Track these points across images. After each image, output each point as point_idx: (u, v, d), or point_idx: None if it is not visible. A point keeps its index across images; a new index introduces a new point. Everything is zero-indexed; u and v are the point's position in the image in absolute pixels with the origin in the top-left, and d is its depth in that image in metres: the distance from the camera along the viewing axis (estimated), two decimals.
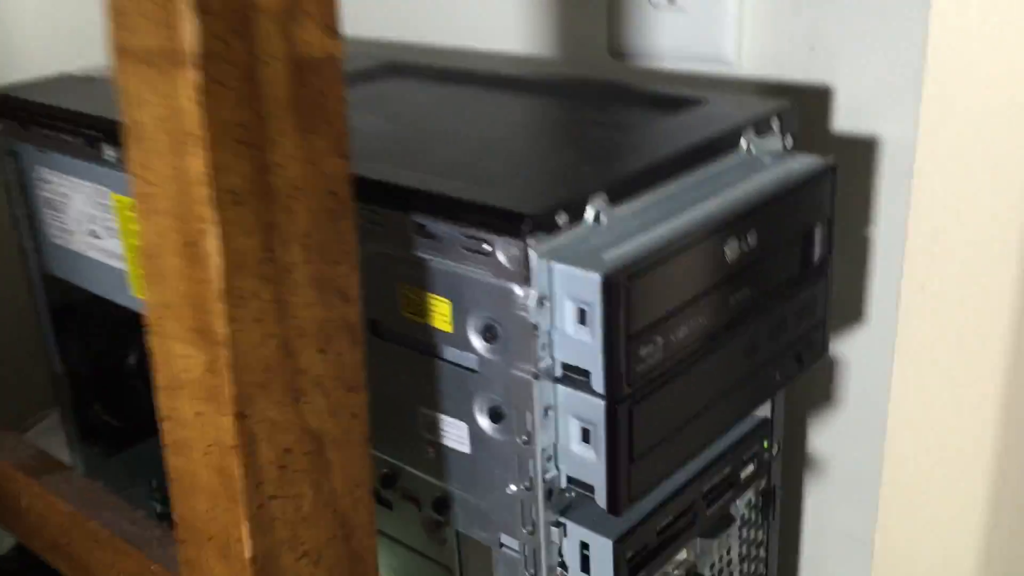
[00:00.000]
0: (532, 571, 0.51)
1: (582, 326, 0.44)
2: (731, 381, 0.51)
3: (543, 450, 0.47)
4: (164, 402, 0.43)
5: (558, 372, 0.47)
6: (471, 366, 0.49)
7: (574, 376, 0.46)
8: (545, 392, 0.47)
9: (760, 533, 0.61)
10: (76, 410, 0.83)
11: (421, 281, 0.49)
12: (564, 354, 0.46)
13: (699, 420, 0.50)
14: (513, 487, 0.49)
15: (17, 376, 0.97)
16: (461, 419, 0.51)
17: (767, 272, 0.52)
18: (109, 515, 0.61)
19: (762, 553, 0.62)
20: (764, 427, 0.58)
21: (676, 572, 0.53)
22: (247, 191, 0.38)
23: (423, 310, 0.50)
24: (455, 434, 0.52)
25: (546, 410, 0.47)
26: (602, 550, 0.48)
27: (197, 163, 0.36)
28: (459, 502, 0.53)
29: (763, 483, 0.60)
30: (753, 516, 0.60)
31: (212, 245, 0.37)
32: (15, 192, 0.70)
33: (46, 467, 0.67)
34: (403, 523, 0.57)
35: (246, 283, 0.39)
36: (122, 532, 0.59)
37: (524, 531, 0.50)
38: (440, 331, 0.50)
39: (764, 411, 0.59)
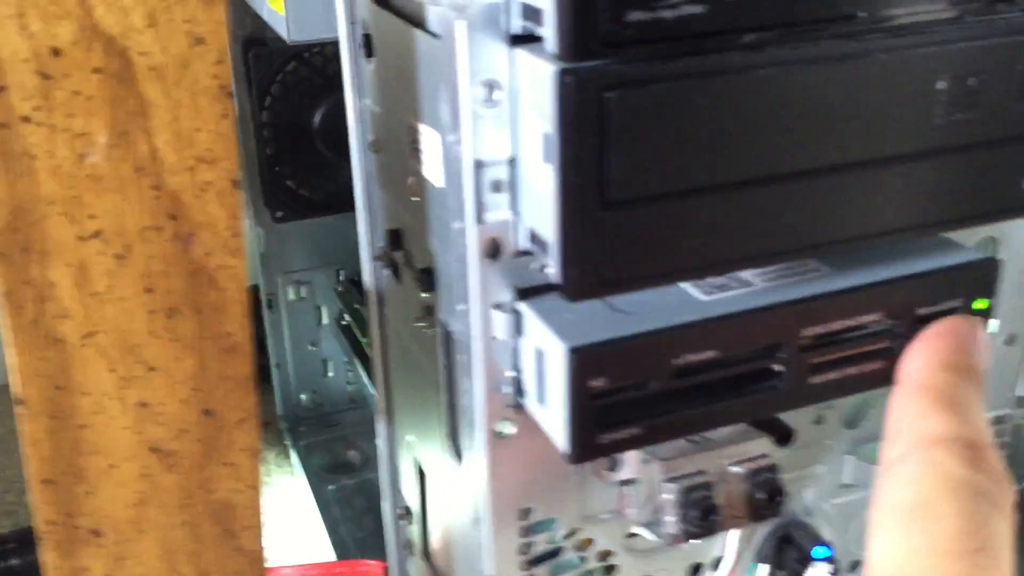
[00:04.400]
0: (468, 379, 0.31)
1: None
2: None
3: (479, 164, 0.27)
4: None
5: (514, 22, 0.26)
6: (437, 29, 0.30)
7: (533, 29, 0.25)
8: (490, 56, 0.26)
9: None
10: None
11: None
12: None
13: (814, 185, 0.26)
14: (456, 224, 0.30)
15: None
16: (434, 127, 0.32)
17: None
18: None
19: None
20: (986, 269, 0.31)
21: (742, 469, 0.31)
22: None
23: None
24: (431, 156, 0.33)
25: (488, 90, 0.27)
26: (556, 360, 0.27)
27: None
28: (442, 275, 0.35)
29: None
30: None
31: None
32: None
33: None
34: (410, 307, 0.40)
35: None
36: None
37: (459, 308, 0.30)
38: None
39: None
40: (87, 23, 0.27)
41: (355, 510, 0.78)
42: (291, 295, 0.83)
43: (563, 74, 0.23)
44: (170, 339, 0.32)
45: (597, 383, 0.27)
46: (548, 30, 0.24)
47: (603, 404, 0.27)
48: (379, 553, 0.63)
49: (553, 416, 0.28)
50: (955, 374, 0.25)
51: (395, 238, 0.40)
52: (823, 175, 0.26)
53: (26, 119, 0.28)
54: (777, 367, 0.29)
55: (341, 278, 0.83)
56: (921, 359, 0.26)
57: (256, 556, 0.36)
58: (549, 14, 0.23)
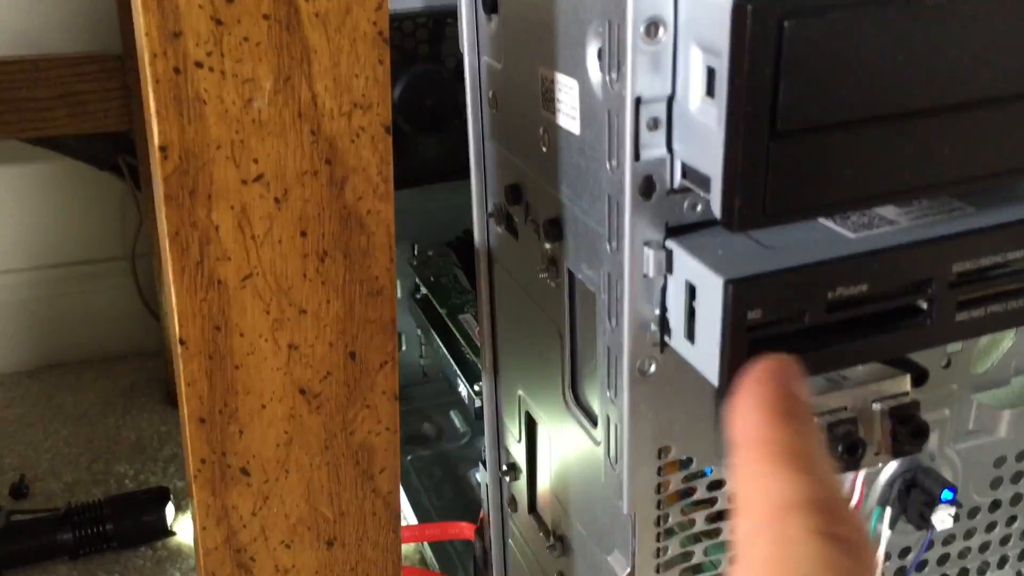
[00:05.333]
0: (613, 319, 0.32)
1: None
2: None
3: (639, 101, 0.28)
4: None
5: None
6: None
7: None
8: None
9: None
10: None
11: None
12: None
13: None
14: (610, 163, 0.30)
15: None
16: (574, 75, 0.33)
17: None
18: None
19: None
20: None
21: (884, 406, 0.31)
22: None
23: None
24: (568, 104, 0.34)
25: (651, 27, 0.27)
26: (710, 295, 0.28)
27: None
28: (570, 223, 0.36)
29: None
30: None
31: None
32: None
33: None
34: (529, 261, 0.41)
35: None
36: None
37: (609, 247, 0.31)
38: None
39: None
40: None
41: (434, 479, 0.79)
42: None
43: (741, 5, 0.24)
44: (321, 282, 0.33)
45: (753, 315, 0.28)
46: None
47: (757, 336, 0.28)
48: (460, 518, 0.64)
49: (705, 350, 0.29)
50: (791, 422, 0.23)
51: (514, 193, 0.41)
52: (983, 106, 0.27)
53: (199, 64, 0.29)
54: (925, 303, 0.29)
55: (416, 252, 0.84)
56: (751, 412, 0.24)
57: (392, 497, 0.37)
58: None
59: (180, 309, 0.31)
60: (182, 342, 0.32)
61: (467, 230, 0.53)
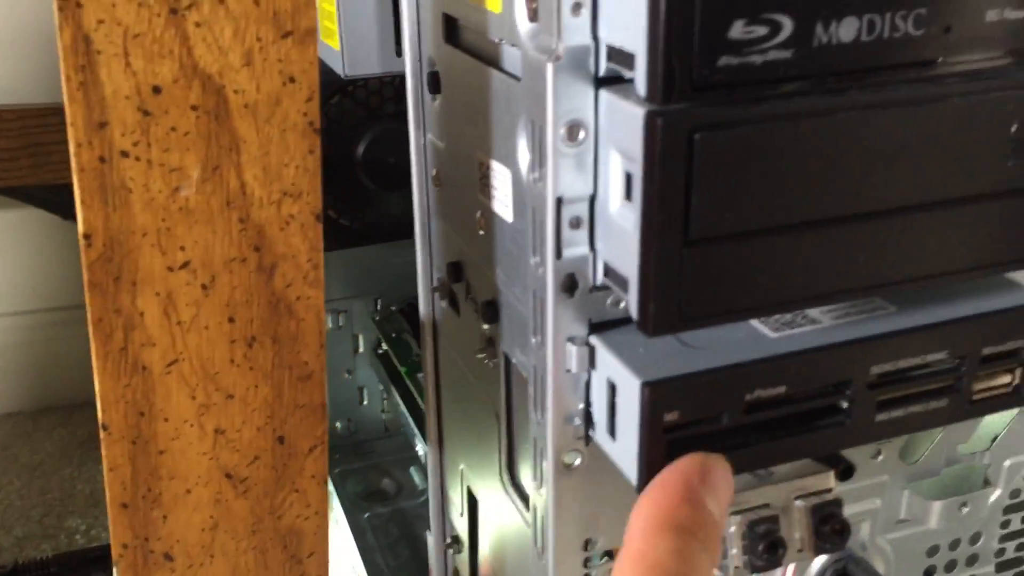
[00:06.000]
0: (538, 411, 0.32)
1: None
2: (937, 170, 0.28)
3: (560, 201, 0.28)
4: None
5: (600, 64, 0.27)
6: (516, 71, 0.31)
7: (622, 71, 0.26)
8: (576, 97, 0.27)
9: None
10: None
11: None
12: (609, 27, 0.26)
13: (878, 226, 0.27)
14: (533, 259, 0.30)
15: None
16: (507, 164, 0.33)
17: None
18: None
19: None
20: None
21: (806, 503, 0.31)
22: None
23: None
24: (502, 192, 0.34)
25: (572, 130, 0.27)
26: (628, 394, 0.28)
27: None
28: (506, 307, 0.36)
29: None
30: None
31: None
32: None
33: None
34: (469, 339, 0.41)
35: None
36: None
37: (532, 340, 0.31)
38: (493, 16, 0.32)
39: None
40: (187, 62, 0.28)
41: (390, 538, 0.79)
42: (328, 323, 0.84)
43: (653, 116, 0.24)
44: (248, 367, 0.32)
45: (670, 416, 0.28)
46: (639, 73, 0.25)
47: (674, 437, 0.28)
48: None
49: (624, 448, 0.29)
50: (676, 537, 0.23)
51: (455, 270, 0.41)
52: (897, 214, 0.27)
53: (125, 154, 0.29)
54: (844, 403, 0.29)
55: (379, 307, 0.84)
56: (641, 519, 0.23)
57: None
58: (641, 58, 0.24)
59: (103, 394, 0.31)
60: (104, 427, 0.31)
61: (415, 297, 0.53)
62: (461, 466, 0.46)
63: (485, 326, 0.38)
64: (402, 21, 0.41)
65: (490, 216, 0.35)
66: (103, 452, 0.32)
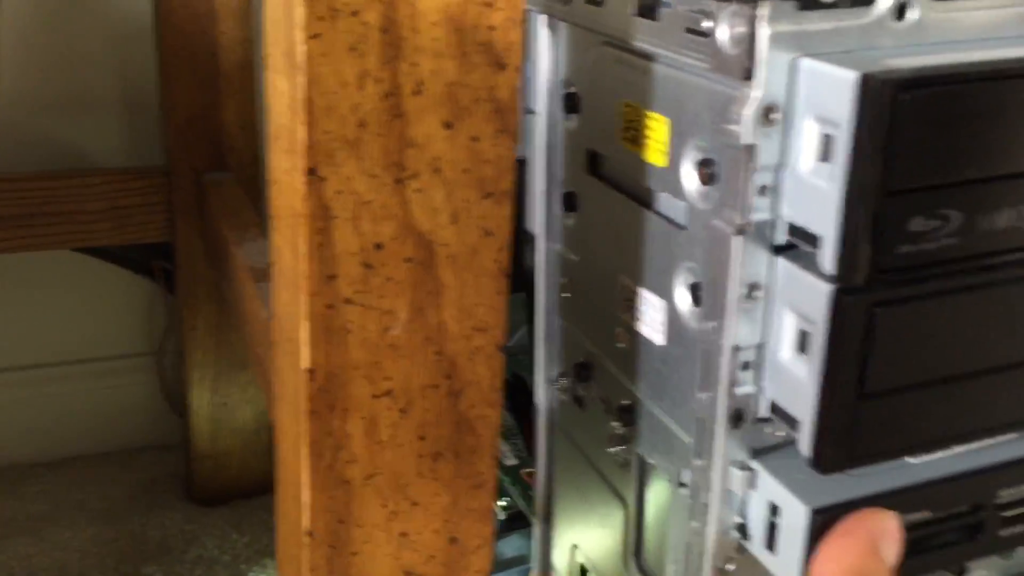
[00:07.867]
0: (698, 523, 0.36)
1: (823, 164, 0.29)
2: None
3: (735, 349, 0.32)
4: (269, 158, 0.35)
5: (780, 237, 0.31)
6: (680, 220, 0.35)
7: (801, 245, 0.30)
8: (755, 263, 0.31)
9: None
10: None
11: (636, 88, 0.36)
12: (794, 208, 0.30)
13: (1003, 377, 0.31)
14: (702, 394, 0.34)
15: None
16: (660, 295, 0.37)
17: None
18: None
19: None
20: None
21: None
22: None
23: (639, 134, 0.37)
24: (651, 317, 0.38)
25: (750, 289, 0.31)
26: (794, 518, 0.32)
27: None
28: (645, 415, 0.40)
29: None
30: None
31: None
32: None
33: None
34: (593, 431, 0.45)
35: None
36: None
37: (697, 463, 0.35)
38: (655, 168, 0.36)
39: None
40: (406, 222, 0.32)
41: None
42: None
43: (840, 293, 0.28)
44: (432, 478, 0.36)
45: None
46: (826, 254, 0.29)
47: None
48: None
49: (785, 563, 0.33)
50: None
51: (584, 371, 0.45)
52: None
53: (348, 301, 0.33)
54: (977, 523, 0.34)
55: None
56: (831, 563, 0.25)
57: None
58: (829, 243, 0.28)
59: (311, 504, 0.35)
60: (311, 534, 0.35)
61: (515, 374, 0.56)
62: (573, 542, 0.49)
63: (617, 426, 0.42)
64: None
65: (634, 335, 0.39)
66: (304, 555, 0.36)
